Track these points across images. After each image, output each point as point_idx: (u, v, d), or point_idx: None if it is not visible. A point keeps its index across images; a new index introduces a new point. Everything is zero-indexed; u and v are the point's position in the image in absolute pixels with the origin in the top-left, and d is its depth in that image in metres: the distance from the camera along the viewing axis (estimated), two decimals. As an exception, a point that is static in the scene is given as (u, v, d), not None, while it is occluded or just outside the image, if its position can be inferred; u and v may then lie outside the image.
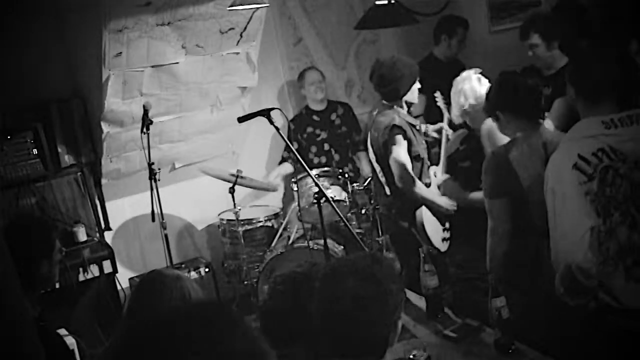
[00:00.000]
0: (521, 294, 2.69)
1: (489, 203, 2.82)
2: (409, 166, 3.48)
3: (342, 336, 1.72)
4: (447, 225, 3.73)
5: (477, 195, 3.36)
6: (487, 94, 2.97)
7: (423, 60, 4.99)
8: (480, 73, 3.43)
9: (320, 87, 4.92)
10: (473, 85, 3.37)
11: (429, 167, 3.69)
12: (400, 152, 3.46)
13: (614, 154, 2.26)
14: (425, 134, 3.93)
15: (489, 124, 3.17)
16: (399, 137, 3.46)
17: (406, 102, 3.61)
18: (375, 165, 3.70)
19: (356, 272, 1.73)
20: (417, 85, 3.61)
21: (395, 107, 3.57)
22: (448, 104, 3.96)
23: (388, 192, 3.64)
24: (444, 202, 3.56)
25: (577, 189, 2.25)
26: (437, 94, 3.94)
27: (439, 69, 4.86)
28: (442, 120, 3.95)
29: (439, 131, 3.91)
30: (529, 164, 2.73)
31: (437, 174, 3.68)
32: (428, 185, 3.62)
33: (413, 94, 3.60)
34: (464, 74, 3.46)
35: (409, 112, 3.66)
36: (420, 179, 3.57)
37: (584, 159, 2.26)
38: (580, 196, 2.25)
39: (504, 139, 2.94)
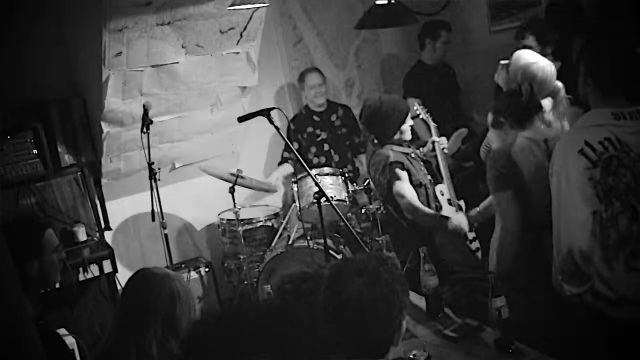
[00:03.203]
0: (526, 292, 2.69)
1: (496, 197, 2.85)
2: (414, 197, 3.43)
3: (346, 336, 1.72)
4: (470, 236, 3.65)
5: (484, 203, 3.35)
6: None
7: (412, 67, 5.01)
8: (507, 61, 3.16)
9: (320, 92, 4.88)
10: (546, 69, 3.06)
11: (434, 189, 3.62)
12: (403, 186, 3.44)
13: (620, 145, 2.31)
14: (425, 161, 3.87)
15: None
16: (398, 171, 3.44)
17: (398, 141, 3.56)
18: (385, 204, 3.67)
19: (362, 272, 1.72)
20: (410, 122, 3.56)
21: (387, 144, 3.55)
22: (429, 112, 3.90)
23: (404, 225, 3.59)
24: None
25: (582, 174, 2.30)
26: (416, 106, 3.84)
27: (428, 73, 4.86)
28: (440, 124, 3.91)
29: (433, 147, 3.82)
30: (531, 158, 2.77)
31: (443, 191, 3.61)
32: (439, 208, 3.55)
33: (404, 133, 3.56)
34: (532, 57, 3.10)
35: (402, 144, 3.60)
36: (428, 205, 3.52)
37: (590, 145, 2.32)
38: (583, 181, 2.30)
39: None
